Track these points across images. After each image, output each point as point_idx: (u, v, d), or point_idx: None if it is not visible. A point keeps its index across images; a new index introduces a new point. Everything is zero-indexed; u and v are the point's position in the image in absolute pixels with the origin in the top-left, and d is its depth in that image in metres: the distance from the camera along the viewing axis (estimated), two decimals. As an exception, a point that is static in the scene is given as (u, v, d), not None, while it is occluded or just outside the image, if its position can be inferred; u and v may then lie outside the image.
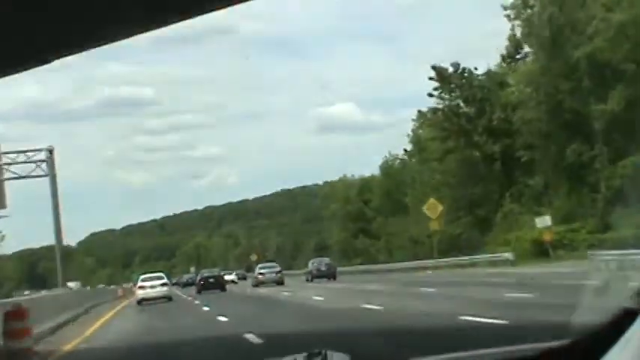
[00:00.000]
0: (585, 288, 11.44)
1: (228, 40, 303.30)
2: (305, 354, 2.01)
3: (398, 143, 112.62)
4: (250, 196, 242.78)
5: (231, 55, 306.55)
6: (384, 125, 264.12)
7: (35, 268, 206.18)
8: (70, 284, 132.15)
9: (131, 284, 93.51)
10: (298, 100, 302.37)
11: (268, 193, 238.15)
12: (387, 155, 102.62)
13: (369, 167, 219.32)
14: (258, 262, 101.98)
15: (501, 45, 66.24)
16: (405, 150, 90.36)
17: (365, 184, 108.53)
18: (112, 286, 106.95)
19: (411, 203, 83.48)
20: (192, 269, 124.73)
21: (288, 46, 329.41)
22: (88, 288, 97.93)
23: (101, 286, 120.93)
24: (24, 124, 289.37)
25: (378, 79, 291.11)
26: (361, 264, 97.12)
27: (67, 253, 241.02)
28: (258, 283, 59.68)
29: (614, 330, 1.86)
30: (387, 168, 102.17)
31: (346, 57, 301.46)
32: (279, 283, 58.57)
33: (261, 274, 61.61)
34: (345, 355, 2.04)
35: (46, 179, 64.43)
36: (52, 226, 67.99)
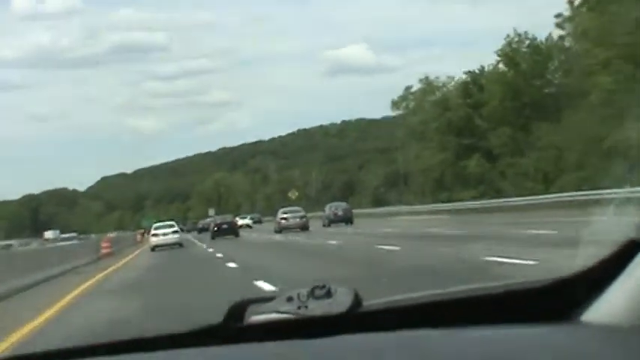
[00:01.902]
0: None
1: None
2: (309, 288, 1.91)
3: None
4: (265, 137, 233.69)
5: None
6: (397, 66, 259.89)
7: (37, 214, 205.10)
8: (47, 234, 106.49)
9: (136, 232, 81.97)
10: (309, 43, 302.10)
11: (284, 133, 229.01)
12: (510, 35, 68.01)
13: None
14: (298, 199, 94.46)
15: None
16: (571, 2, 54.76)
17: (472, 81, 73.38)
18: (92, 235, 78.41)
19: (597, 91, 49.11)
20: (212, 211, 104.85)
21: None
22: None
23: (70, 235, 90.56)
24: (35, 70, 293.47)
25: (389, 19, 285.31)
26: (480, 197, 63.54)
27: (71, 198, 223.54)
28: (280, 229, 57.78)
29: (619, 261, 1.80)
30: (509, 54, 67.55)
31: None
32: (304, 228, 57.01)
33: (284, 218, 60.03)
34: (350, 289, 1.90)
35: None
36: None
